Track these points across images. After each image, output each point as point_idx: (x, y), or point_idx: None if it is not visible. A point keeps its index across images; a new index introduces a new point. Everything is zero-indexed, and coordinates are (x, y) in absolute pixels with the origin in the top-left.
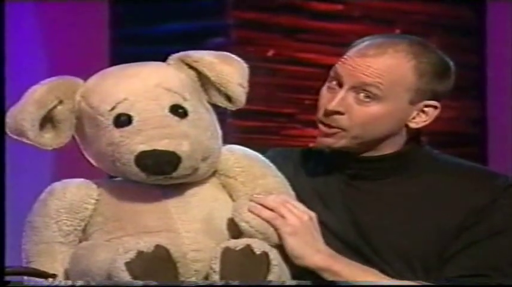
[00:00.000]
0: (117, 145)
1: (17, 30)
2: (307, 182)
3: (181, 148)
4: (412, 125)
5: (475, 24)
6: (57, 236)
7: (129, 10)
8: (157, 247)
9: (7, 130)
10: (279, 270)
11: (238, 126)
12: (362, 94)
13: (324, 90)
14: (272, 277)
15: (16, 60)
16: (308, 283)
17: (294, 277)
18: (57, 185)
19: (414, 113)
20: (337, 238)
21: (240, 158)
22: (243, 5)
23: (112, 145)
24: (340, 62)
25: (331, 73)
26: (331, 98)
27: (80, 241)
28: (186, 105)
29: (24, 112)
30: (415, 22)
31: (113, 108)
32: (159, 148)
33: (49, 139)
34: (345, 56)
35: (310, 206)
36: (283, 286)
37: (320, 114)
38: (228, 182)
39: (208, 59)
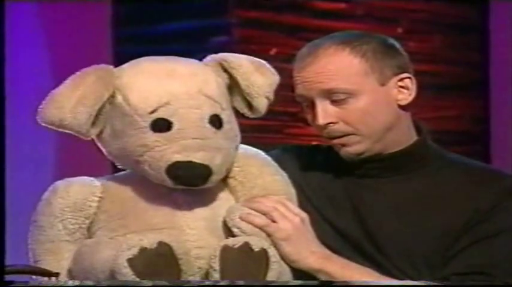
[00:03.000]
0: (151, 148)
1: (19, 30)
2: (314, 179)
3: (215, 161)
4: (402, 102)
5: (478, 23)
6: (62, 235)
7: (132, 9)
8: (160, 243)
9: (48, 121)
10: (278, 266)
11: (241, 124)
12: (334, 97)
13: (307, 116)
14: (272, 274)
15: (18, 60)
16: (311, 282)
17: (295, 275)
18: (60, 183)
19: (395, 92)
20: (342, 236)
21: (239, 157)
22: (246, 3)
23: (144, 146)
24: (295, 86)
25: (298, 99)
26: (316, 116)
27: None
28: (222, 115)
29: (80, 106)
30: (418, 21)
31: (153, 111)
32: (195, 160)
33: (93, 130)
34: (294, 78)
35: (316, 204)
36: (287, 286)
37: (322, 133)
38: (227, 181)
39: (245, 66)
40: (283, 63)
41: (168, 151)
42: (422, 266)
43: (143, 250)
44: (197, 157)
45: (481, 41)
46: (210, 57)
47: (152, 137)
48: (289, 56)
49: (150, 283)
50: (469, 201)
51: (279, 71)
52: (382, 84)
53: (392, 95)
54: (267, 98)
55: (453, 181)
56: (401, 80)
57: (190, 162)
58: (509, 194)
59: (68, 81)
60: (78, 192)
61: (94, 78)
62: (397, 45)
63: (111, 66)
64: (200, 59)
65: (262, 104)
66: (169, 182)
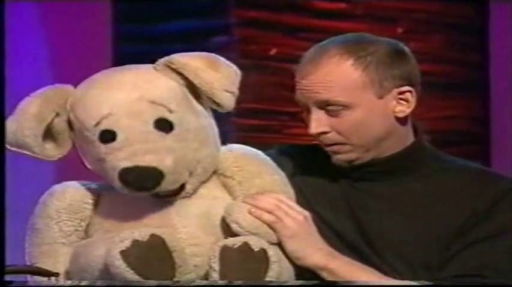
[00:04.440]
0: (103, 160)
1: (19, 28)
2: (312, 180)
3: (165, 162)
4: (400, 114)
5: (477, 23)
6: (58, 237)
7: (131, 8)
8: (153, 236)
9: (7, 145)
10: (278, 266)
11: (241, 124)
12: (330, 108)
13: (305, 119)
14: (272, 274)
15: (18, 59)
16: (310, 282)
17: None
18: (57, 186)
19: (394, 103)
20: (339, 238)
21: (238, 157)
22: (246, 3)
23: (99, 160)
24: (295, 90)
25: (298, 102)
26: (309, 124)
27: None
28: (171, 118)
29: (25, 129)
30: (417, 20)
31: (97, 124)
32: (141, 164)
33: (51, 150)
34: (296, 82)
35: (314, 205)
36: (287, 286)
37: (315, 139)
38: (226, 181)
39: (193, 65)
40: (283, 63)
41: (115, 159)
42: (420, 268)
43: (135, 242)
44: (144, 160)
45: (480, 41)
46: (159, 62)
47: (102, 149)
48: (289, 56)
49: (153, 283)
50: (466, 203)
51: (279, 71)
52: (380, 97)
53: (390, 107)
54: (227, 91)
55: (449, 183)
56: (401, 92)
57: (137, 166)
58: (505, 196)
59: (17, 108)
60: (74, 195)
61: (38, 101)
62: (407, 52)
63: (66, 86)
64: None
65: (223, 99)
66: (124, 190)
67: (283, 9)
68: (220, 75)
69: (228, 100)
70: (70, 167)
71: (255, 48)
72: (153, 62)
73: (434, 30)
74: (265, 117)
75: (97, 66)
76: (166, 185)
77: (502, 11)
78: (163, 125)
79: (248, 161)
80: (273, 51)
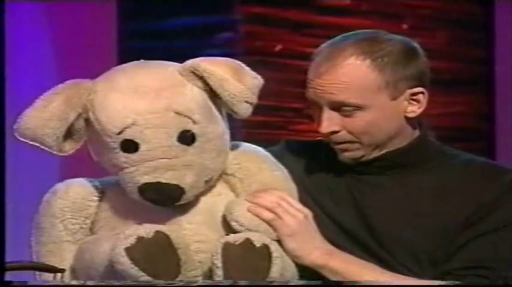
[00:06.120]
0: (122, 169)
1: (25, 25)
2: (316, 174)
3: (185, 180)
4: (411, 115)
5: (483, 19)
6: (64, 235)
7: (137, 5)
8: (158, 232)
9: (22, 138)
10: (281, 262)
11: (246, 121)
12: (343, 108)
13: (314, 116)
14: (275, 269)
15: (24, 56)
16: (314, 282)
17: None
18: (60, 185)
19: (405, 104)
20: (344, 232)
21: (238, 154)
22: None
23: (117, 166)
24: (307, 87)
25: (308, 100)
26: (320, 123)
27: None
28: (194, 129)
29: (47, 128)
30: (423, 17)
31: (120, 133)
32: (163, 181)
33: (67, 146)
34: (308, 79)
35: (318, 199)
36: (289, 286)
37: (324, 138)
38: (227, 179)
39: (219, 74)
40: (288, 59)
41: (136, 173)
42: (425, 261)
43: (140, 239)
44: (165, 177)
45: (485, 38)
46: (182, 66)
47: (122, 158)
48: (294, 52)
49: (162, 283)
50: (471, 196)
51: (284, 67)
52: (394, 99)
53: (402, 108)
54: (247, 102)
55: (454, 176)
56: (414, 94)
57: (159, 183)
58: (510, 189)
59: (38, 101)
60: (78, 192)
61: (61, 99)
62: (418, 49)
63: (86, 81)
64: (205, 55)
65: (241, 110)
66: (144, 202)
67: (288, 6)
68: (244, 87)
69: (245, 110)
70: (73, 164)
71: (259, 45)
72: (158, 58)
73: (439, 27)
74: (270, 114)
75: (103, 63)
76: (185, 200)
77: (507, 8)
78: (187, 138)
79: (248, 158)
80: (278, 48)
